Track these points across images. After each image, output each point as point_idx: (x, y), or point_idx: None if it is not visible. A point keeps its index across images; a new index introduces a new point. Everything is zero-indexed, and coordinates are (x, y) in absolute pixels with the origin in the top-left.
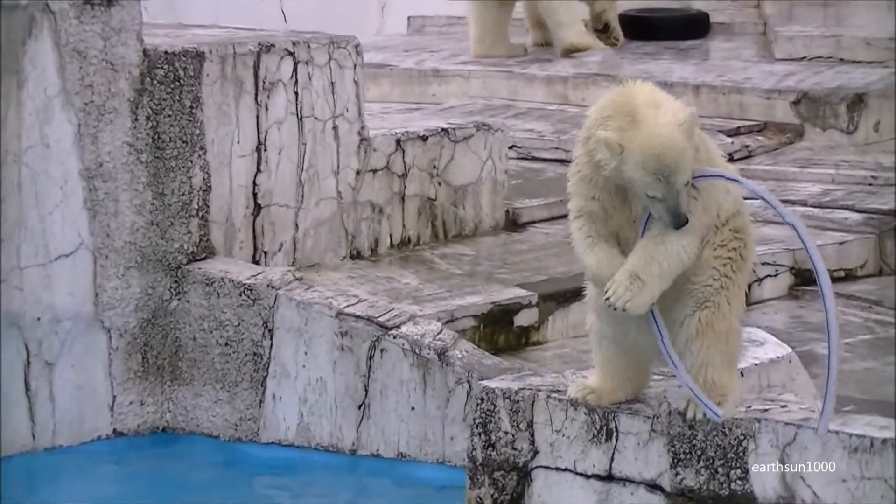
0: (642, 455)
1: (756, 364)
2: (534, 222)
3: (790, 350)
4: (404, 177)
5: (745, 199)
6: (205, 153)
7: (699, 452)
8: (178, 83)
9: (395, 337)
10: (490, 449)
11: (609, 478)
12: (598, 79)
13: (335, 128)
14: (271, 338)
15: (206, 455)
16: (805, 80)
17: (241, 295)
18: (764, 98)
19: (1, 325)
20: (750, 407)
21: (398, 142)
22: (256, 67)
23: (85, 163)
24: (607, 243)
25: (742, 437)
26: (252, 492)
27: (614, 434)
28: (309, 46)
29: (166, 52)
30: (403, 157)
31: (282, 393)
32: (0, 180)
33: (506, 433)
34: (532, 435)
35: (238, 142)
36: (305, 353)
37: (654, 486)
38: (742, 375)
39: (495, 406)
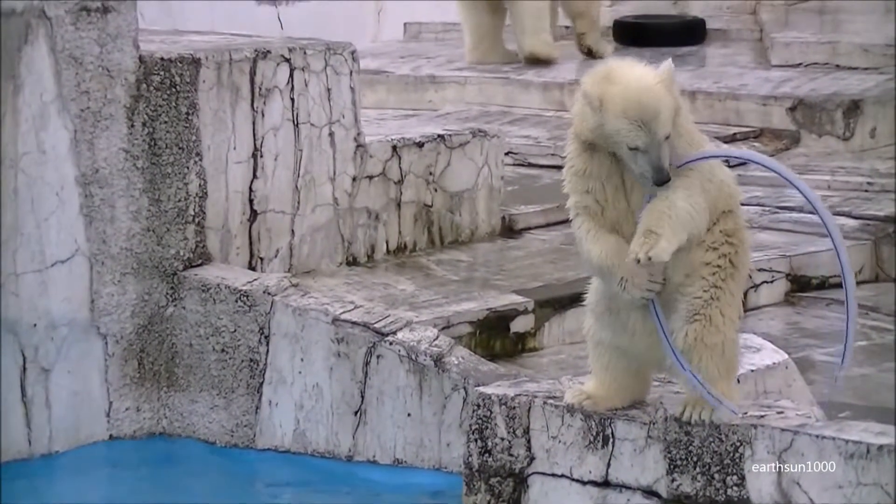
0: (639, 461)
1: (752, 370)
2: (530, 229)
3: (787, 356)
4: (400, 183)
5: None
6: (201, 159)
7: (695, 458)
8: (174, 89)
9: (391, 343)
10: (486, 455)
11: (605, 484)
12: None
13: (331, 134)
14: (267, 344)
15: (202, 461)
16: (801, 86)
17: (237, 301)
18: (760, 104)
19: None
20: (746, 413)
21: (394, 148)
22: (253, 74)
23: (81, 169)
24: (611, 234)
25: (738, 444)
26: (248, 498)
27: (610, 440)
28: (305, 53)
29: (162, 59)
30: (400, 163)
31: (278, 399)
32: None
33: (502, 439)
34: (528, 441)
35: (234, 148)
36: (302, 360)
37: (650, 493)
38: (738, 382)
39: (491, 412)
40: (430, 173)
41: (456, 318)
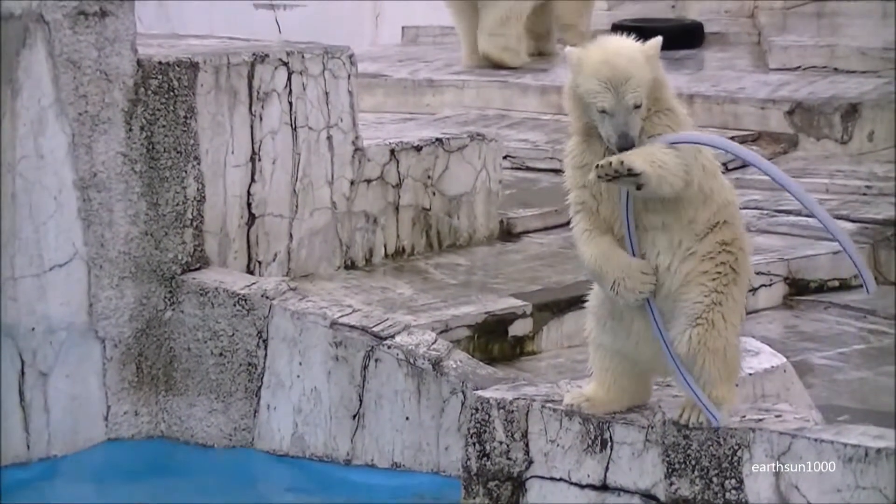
0: (637, 465)
1: (750, 374)
2: (528, 232)
3: (785, 360)
4: (398, 187)
5: (728, 170)
6: (199, 163)
7: (694, 462)
8: (172, 93)
9: (389, 347)
10: (485, 459)
11: (604, 488)
12: None
13: (329, 138)
14: (266, 348)
15: (200, 465)
16: (799, 89)
17: (235, 305)
18: (758, 108)
19: None
20: (744, 417)
21: (392, 152)
22: (251, 77)
23: (79, 173)
24: (607, 237)
25: (737, 447)
26: (246, 502)
27: (609, 444)
28: (303, 57)
29: (160, 63)
30: (398, 167)
31: (276, 403)
32: None
33: (500, 443)
34: (526, 445)
35: (232, 152)
36: (300, 363)
37: (648, 496)
38: (737, 385)
39: (490, 416)
40: (429, 177)
41: (454, 321)
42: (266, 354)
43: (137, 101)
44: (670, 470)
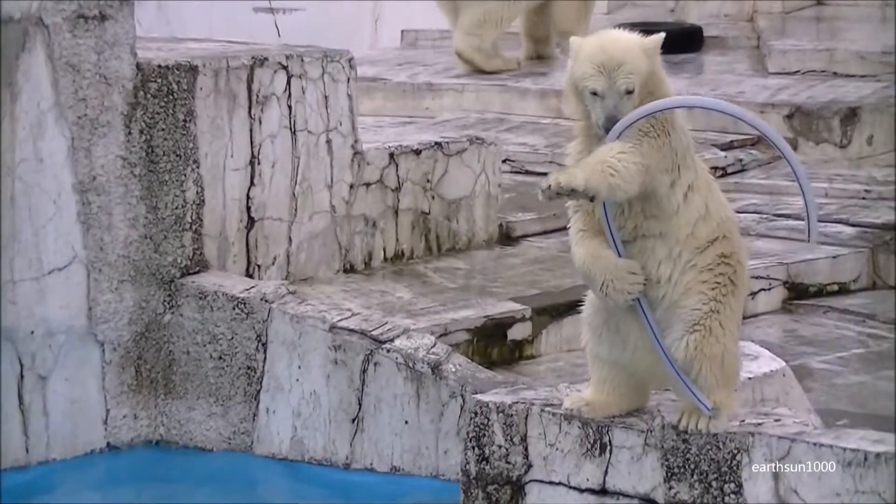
0: (636, 469)
1: (750, 378)
2: (527, 236)
3: (784, 364)
4: (398, 190)
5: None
6: (198, 167)
7: (693, 466)
8: (171, 97)
9: (388, 351)
10: (484, 463)
11: (603, 492)
12: None
13: (329, 141)
14: (265, 351)
15: (199, 469)
16: (798, 93)
17: (234, 308)
18: (757, 112)
19: None
20: (744, 421)
21: (392, 155)
22: (250, 81)
23: (78, 176)
24: (598, 238)
25: (736, 451)
26: None
27: (608, 448)
28: (302, 60)
29: (160, 66)
30: (397, 170)
31: (275, 406)
32: None
33: (499, 447)
34: (526, 449)
35: (231, 155)
36: (299, 367)
37: (647, 500)
38: (736, 390)
39: (489, 420)
40: (428, 181)
41: (453, 325)
42: (265, 358)
43: (137, 104)
44: (669, 474)
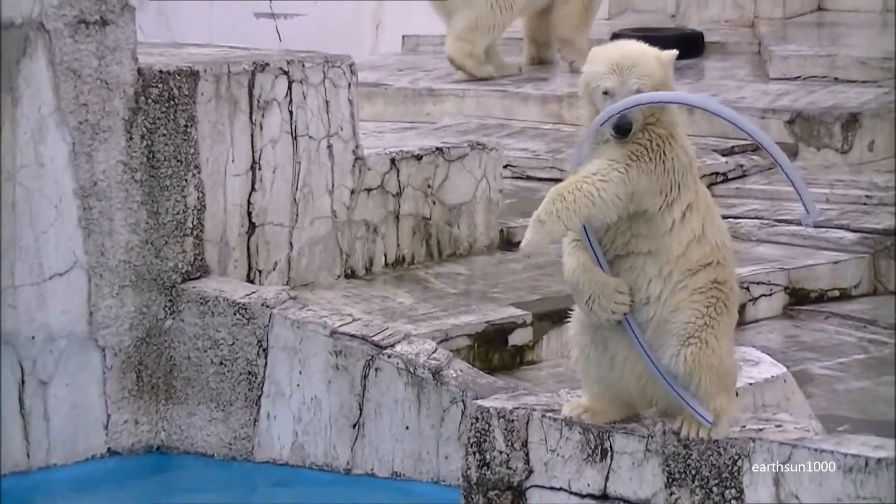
0: (637, 475)
1: (751, 384)
2: None
3: (785, 369)
4: (399, 196)
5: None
6: (199, 172)
7: (694, 472)
8: (172, 102)
9: (389, 356)
10: (485, 468)
11: (604, 497)
12: None
13: (330, 147)
14: (266, 357)
15: (200, 474)
16: (799, 99)
17: (235, 314)
18: (758, 117)
19: None
20: (744, 427)
21: (393, 161)
22: (251, 86)
23: (79, 181)
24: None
25: (737, 457)
26: None
27: (609, 453)
28: (303, 65)
29: (161, 71)
30: (398, 176)
31: (276, 412)
32: None
33: (500, 452)
34: (527, 454)
35: (232, 160)
36: (300, 372)
37: None
38: (736, 395)
39: (490, 425)
40: (429, 186)
41: (454, 330)
42: (266, 363)
43: (138, 109)
44: (670, 479)
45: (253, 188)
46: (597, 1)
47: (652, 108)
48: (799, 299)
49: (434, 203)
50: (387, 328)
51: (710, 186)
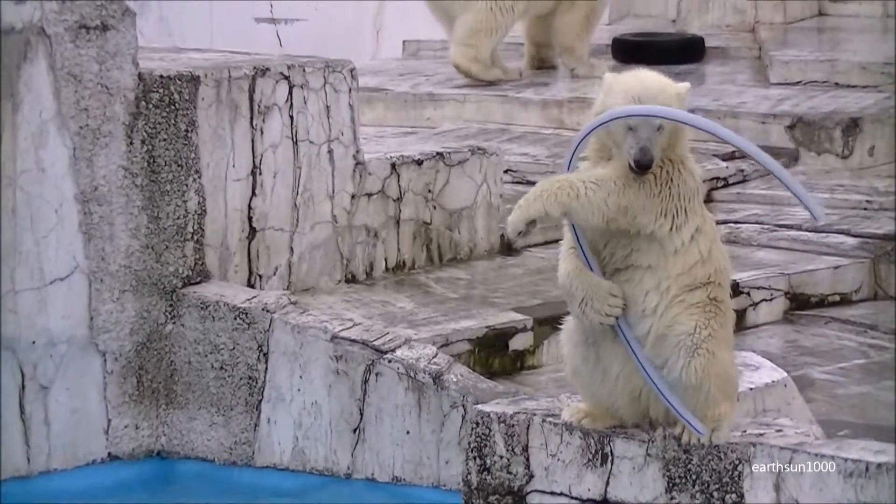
0: (637, 479)
1: (751, 389)
2: (529, 246)
3: (785, 374)
4: (399, 201)
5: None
6: (200, 177)
7: (694, 477)
8: (173, 107)
9: (389, 361)
10: (485, 473)
11: (604, 502)
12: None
13: (330, 151)
14: (266, 361)
15: (200, 479)
16: (800, 104)
17: (235, 319)
18: (759, 122)
19: None
20: (745, 431)
21: (393, 166)
22: (252, 91)
23: (80, 186)
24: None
25: (737, 462)
26: None
27: (609, 458)
28: (304, 70)
29: (161, 76)
30: (398, 180)
31: (277, 417)
32: None
33: (501, 457)
34: (527, 459)
35: (233, 165)
36: (300, 377)
37: None
38: (738, 400)
39: (490, 430)
40: (429, 191)
41: (455, 335)
42: (266, 368)
43: (138, 114)
44: (671, 484)
45: (253, 193)
46: (599, 10)
47: (675, 138)
48: (799, 304)
49: (434, 208)
50: (387, 333)
51: (710, 191)
